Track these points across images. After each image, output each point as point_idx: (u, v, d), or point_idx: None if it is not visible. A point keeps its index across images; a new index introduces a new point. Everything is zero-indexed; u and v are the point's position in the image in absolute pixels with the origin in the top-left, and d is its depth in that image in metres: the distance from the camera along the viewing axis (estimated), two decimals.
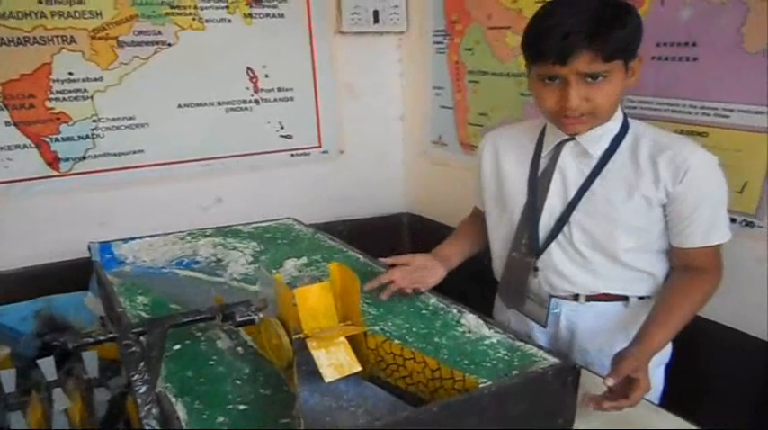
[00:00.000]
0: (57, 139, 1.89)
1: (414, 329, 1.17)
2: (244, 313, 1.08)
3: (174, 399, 0.95)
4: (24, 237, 1.93)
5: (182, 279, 1.50)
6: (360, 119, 2.40)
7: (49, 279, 1.77)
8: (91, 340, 0.97)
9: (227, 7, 2.07)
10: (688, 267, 1.23)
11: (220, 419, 0.92)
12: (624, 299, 1.29)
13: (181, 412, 0.92)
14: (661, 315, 1.15)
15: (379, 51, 2.40)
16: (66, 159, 1.92)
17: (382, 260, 1.42)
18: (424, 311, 1.26)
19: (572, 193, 1.26)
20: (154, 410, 0.88)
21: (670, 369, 1.36)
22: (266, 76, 2.19)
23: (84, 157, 1.94)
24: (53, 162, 1.90)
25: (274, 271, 1.51)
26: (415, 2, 2.32)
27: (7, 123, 1.81)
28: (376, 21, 2.33)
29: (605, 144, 1.24)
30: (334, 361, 1.00)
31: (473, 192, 1.52)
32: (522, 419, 0.94)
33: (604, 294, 1.29)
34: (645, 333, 1.12)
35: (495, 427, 0.92)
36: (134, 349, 0.95)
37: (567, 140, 1.26)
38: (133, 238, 1.69)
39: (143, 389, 0.90)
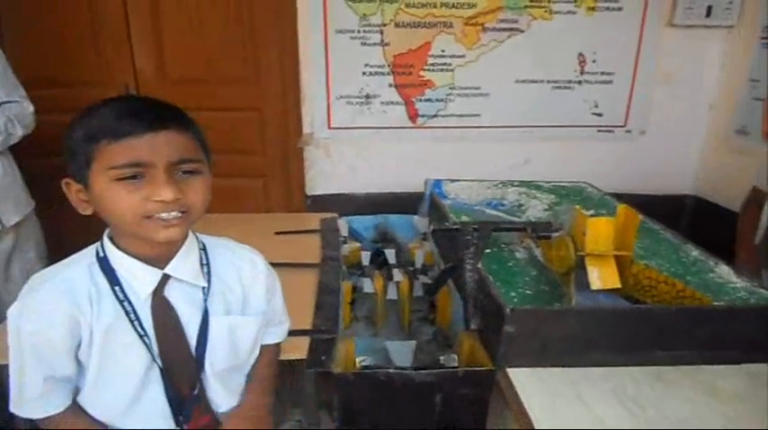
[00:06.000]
0: (420, 100, 2.51)
1: (672, 269, 1.46)
2: (545, 229, 1.53)
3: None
4: (379, 170, 2.60)
5: (488, 215, 1.97)
6: (669, 104, 2.60)
7: (388, 203, 2.40)
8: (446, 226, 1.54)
9: (575, 1, 2.45)
10: None
11: (512, 294, 1.39)
12: None
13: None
14: None
15: (704, 43, 2.54)
16: (423, 116, 2.54)
17: None
18: (684, 259, 1.53)
19: None
20: (475, 276, 1.40)
21: None
22: (593, 60, 2.53)
23: (435, 115, 2.54)
24: (413, 117, 2.54)
25: None
26: None
27: (390, 85, 2.49)
28: (707, 15, 2.49)
29: None
30: (602, 275, 1.37)
31: None
32: (748, 342, 1.18)
33: None
34: None
35: (723, 342, 1.18)
36: (468, 237, 1.46)
37: None
38: (458, 180, 2.20)
39: (470, 265, 1.43)
